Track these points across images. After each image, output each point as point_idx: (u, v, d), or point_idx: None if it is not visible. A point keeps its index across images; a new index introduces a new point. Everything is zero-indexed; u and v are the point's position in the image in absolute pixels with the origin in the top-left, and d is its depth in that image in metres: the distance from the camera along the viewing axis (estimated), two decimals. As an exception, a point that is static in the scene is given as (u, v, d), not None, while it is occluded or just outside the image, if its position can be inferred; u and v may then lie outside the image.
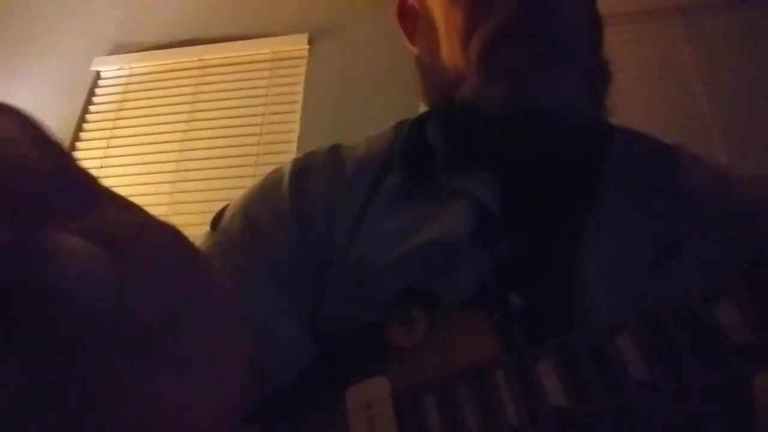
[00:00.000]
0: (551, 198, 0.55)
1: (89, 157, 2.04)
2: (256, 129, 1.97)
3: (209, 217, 0.61)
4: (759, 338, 0.37)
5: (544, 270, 0.52)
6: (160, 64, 2.15)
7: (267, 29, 2.11)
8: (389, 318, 0.48)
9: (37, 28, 2.31)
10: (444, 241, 0.51)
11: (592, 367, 0.40)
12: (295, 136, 1.92)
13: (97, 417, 0.18)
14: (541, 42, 0.53)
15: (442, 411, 0.42)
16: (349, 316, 0.51)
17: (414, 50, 0.65)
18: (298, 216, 0.56)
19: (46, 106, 2.13)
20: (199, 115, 2.04)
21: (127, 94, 2.13)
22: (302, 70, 2.04)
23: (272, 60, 2.09)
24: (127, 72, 2.18)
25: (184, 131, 2.02)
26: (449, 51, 0.56)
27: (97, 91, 2.16)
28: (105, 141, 2.06)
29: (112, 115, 2.10)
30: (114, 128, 2.08)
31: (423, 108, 0.64)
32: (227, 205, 0.61)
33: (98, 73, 2.19)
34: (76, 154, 2.05)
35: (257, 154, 1.92)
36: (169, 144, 2.01)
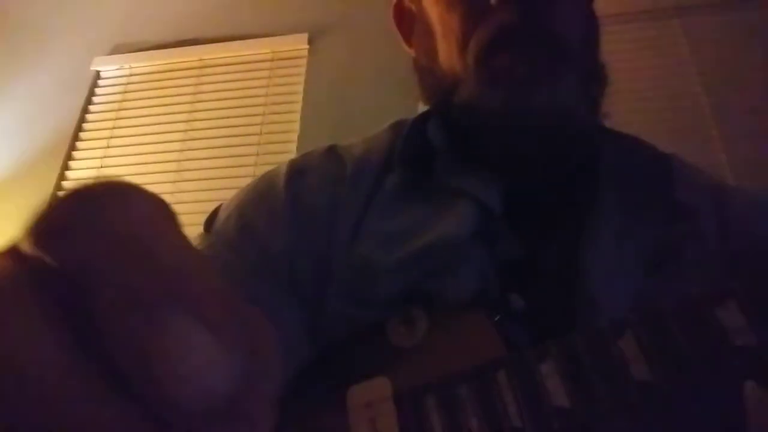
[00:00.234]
0: (551, 199, 0.55)
1: (89, 157, 2.04)
2: (256, 129, 1.97)
3: (209, 218, 0.61)
4: (761, 341, 0.37)
5: (545, 270, 0.52)
6: (159, 64, 2.15)
7: (267, 29, 2.11)
8: (390, 318, 0.48)
9: (37, 28, 2.31)
10: (446, 242, 0.51)
11: (594, 368, 0.40)
12: (295, 136, 1.92)
13: None
14: (538, 46, 0.53)
15: (443, 411, 0.42)
16: (351, 316, 0.50)
17: (411, 52, 0.65)
18: (294, 216, 0.55)
19: (46, 106, 2.13)
20: (199, 114, 2.04)
21: (127, 94, 2.13)
22: (302, 70, 2.04)
23: (272, 60, 2.09)
24: (127, 72, 2.17)
25: (184, 131, 2.02)
26: (446, 54, 0.56)
27: (97, 90, 2.16)
28: (105, 141, 2.05)
29: (112, 114, 2.10)
30: (114, 128, 2.08)
31: (422, 108, 0.64)
32: (220, 206, 0.60)
33: (98, 73, 2.19)
34: (76, 154, 2.05)
35: (257, 154, 1.92)
36: (169, 144, 2.00)
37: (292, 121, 1.96)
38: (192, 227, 0.60)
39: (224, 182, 1.84)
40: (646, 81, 1.78)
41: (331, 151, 0.61)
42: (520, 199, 0.54)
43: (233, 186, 2.01)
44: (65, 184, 2.00)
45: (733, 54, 1.77)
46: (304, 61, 2.06)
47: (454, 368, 0.43)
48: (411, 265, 0.51)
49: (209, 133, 2.00)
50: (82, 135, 2.09)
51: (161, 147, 2.00)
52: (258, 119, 1.99)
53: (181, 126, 2.03)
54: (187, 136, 2.01)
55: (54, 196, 1.94)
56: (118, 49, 2.21)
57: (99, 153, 2.04)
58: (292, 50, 2.08)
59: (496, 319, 0.46)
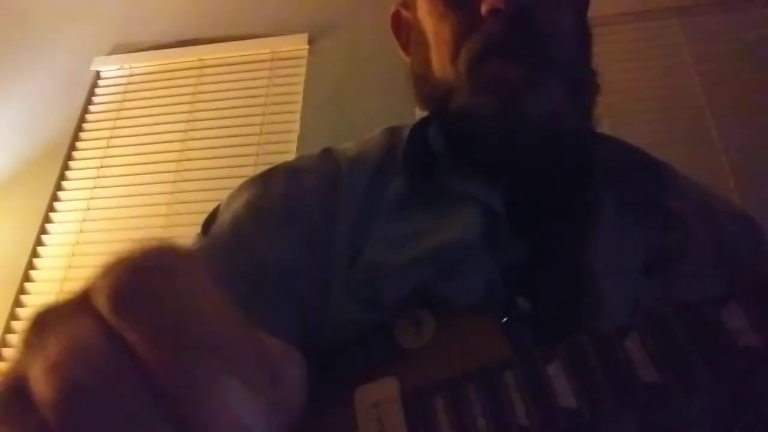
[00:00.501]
0: (549, 201, 0.56)
1: (89, 157, 2.04)
2: (256, 129, 1.97)
3: (208, 218, 0.61)
4: (765, 342, 0.37)
5: (550, 272, 0.53)
6: (159, 64, 2.15)
7: (267, 29, 2.11)
8: (398, 319, 0.48)
9: (37, 28, 2.31)
10: (453, 245, 0.52)
11: (601, 369, 0.40)
12: (294, 136, 1.92)
13: None
14: (528, 55, 0.54)
15: (451, 411, 0.42)
16: (358, 317, 0.51)
17: (408, 61, 0.66)
18: (290, 216, 0.56)
19: (46, 106, 2.13)
20: (199, 115, 2.04)
21: (127, 94, 2.13)
22: (302, 70, 2.04)
23: (272, 60, 2.09)
24: (127, 72, 2.18)
25: (184, 131, 2.02)
26: (440, 64, 0.58)
27: (97, 91, 2.16)
28: (105, 141, 2.05)
29: (112, 115, 2.10)
30: (114, 128, 2.08)
31: (420, 110, 0.65)
32: (218, 206, 0.61)
33: (98, 73, 2.19)
34: (76, 154, 2.05)
35: (257, 154, 1.92)
36: (169, 144, 2.00)
37: (292, 121, 1.96)
38: (192, 227, 0.61)
39: (224, 182, 1.84)
40: (646, 81, 1.78)
41: (326, 152, 0.62)
42: (520, 201, 0.54)
43: (233, 186, 1.99)
44: (65, 184, 2.00)
45: (733, 54, 1.77)
46: (304, 61, 2.06)
47: (461, 369, 0.44)
48: (418, 267, 0.51)
49: (209, 133, 2.00)
50: (82, 135, 2.09)
51: (161, 147, 2.00)
52: (258, 119, 1.99)
53: (181, 126, 2.03)
54: (187, 136, 2.01)
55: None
56: (118, 49, 2.21)
57: (99, 153, 2.04)
58: (292, 50, 2.08)
59: (503, 321, 0.47)
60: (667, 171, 0.62)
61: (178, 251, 0.22)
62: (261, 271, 0.53)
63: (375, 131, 0.64)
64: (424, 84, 0.61)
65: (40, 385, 0.20)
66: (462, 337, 0.47)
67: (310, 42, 2.07)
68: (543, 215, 0.55)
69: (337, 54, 2.03)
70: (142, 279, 0.21)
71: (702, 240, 0.56)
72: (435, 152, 0.59)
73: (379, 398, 0.45)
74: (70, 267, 1.84)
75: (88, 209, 1.94)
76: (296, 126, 1.94)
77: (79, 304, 0.22)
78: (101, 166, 2.01)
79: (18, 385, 0.20)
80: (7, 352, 1.74)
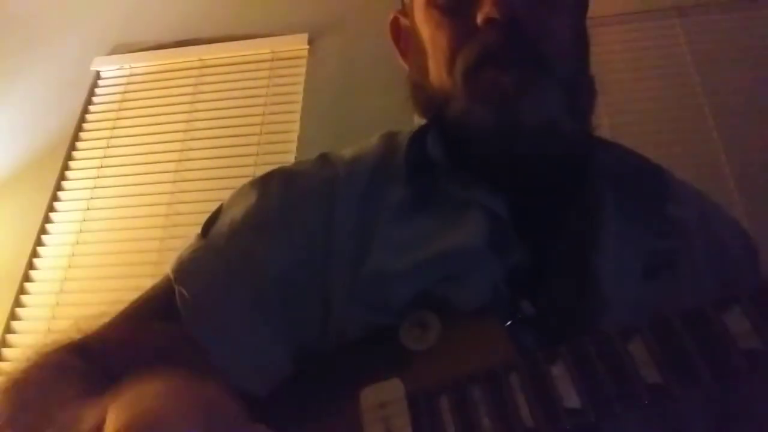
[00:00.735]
0: (551, 205, 0.56)
1: (89, 157, 2.04)
2: (256, 129, 1.97)
3: (209, 218, 0.61)
4: (766, 345, 0.38)
5: (554, 275, 0.53)
6: (159, 64, 2.15)
7: (267, 29, 2.11)
8: (404, 322, 0.48)
9: (37, 28, 2.31)
10: (460, 250, 0.52)
11: (605, 371, 0.40)
12: (295, 136, 1.92)
13: None
14: (523, 63, 0.54)
15: (456, 412, 0.43)
16: (363, 320, 0.51)
17: (407, 67, 0.66)
18: (286, 223, 0.56)
19: (46, 106, 2.13)
20: (199, 115, 2.04)
21: (127, 94, 2.13)
22: (302, 70, 2.04)
23: (272, 60, 2.08)
24: (127, 72, 2.17)
25: (184, 131, 2.02)
26: (436, 72, 0.58)
27: (97, 91, 2.16)
28: (105, 141, 2.05)
29: (112, 115, 2.10)
30: (114, 128, 2.07)
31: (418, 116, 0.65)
32: (220, 207, 0.61)
33: (98, 73, 2.19)
34: (76, 154, 2.05)
35: (257, 154, 1.92)
36: (169, 144, 2.00)
37: (292, 121, 1.96)
38: (192, 227, 0.61)
39: (224, 182, 1.84)
40: (646, 81, 1.78)
41: (322, 157, 0.63)
42: (521, 206, 0.55)
43: (233, 186, 1.98)
44: (65, 184, 2.00)
45: (733, 54, 1.77)
46: (304, 61, 2.06)
47: (466, 371, 0.44)
48: (423, 272, 0.52)
49: (209, 133, 2.00)
50: (82, 135, 2.08)
51: (161, 147, 2.00)
52: (258, 119, 1.99)
53: (181, 126, 2.03)
54: (187, 136, 2.01)
55: (51, 200, 1.94)
56: (118, 49, 2.21)
57: (99, 153, 2.03)
58: (292, 50, 2.08)
59: (507, 325, 0.47)
60: (666, 176, 0.62)
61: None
62: (259, 280, 0.54)
63: (372, 136, 0.65)
64: (421, 92, 0.61)
65: None
66: (467, 340, 0.47)
67: (310, 42, 2.07)
68: (545, 220, 0.55)
69: (337, 54, 2.03)
70: None
71: (700, 246, 0.56)
72: (434, 161, 0.59)
73: (385, 399, 0.45)
74: (70, 267, 1.84)
75: (88, 209, 1.93)
76: (296, 126, 1.94)
77: None
78: (101, 166, 2.01)
79: None
80: (7, 352, 1.74)
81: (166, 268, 0.58)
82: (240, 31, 2.12)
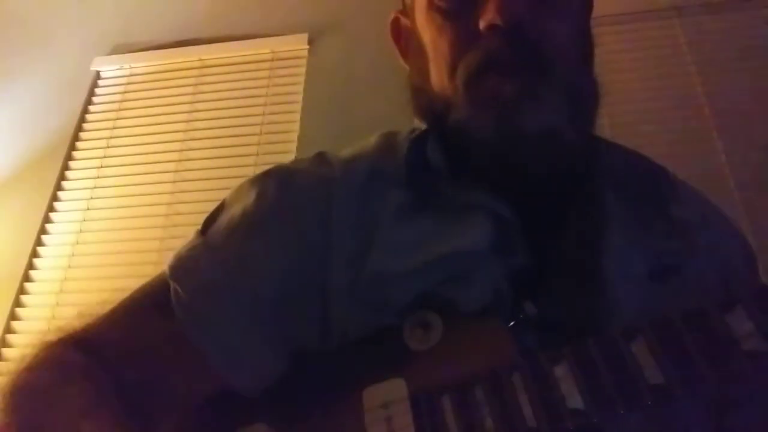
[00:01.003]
0: (554, 209, 0.56)
1: (89, 157, 2.03)
2: (256, 129, 1.97)
3: (209, 218, 0.61)
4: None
5: (560, 276, 0.53)
6: (159, 64, 2.15)
7: (267, 29, 2.11)
8: (407, 322, 0.49)
9: (37, 28, 2.31)
10: (464, 252, 0.52)
11: (608, 372, 0.41)
12: (294, 136, 1.92)
13: None
14: (526, 70, 0.53)
15: (459, 412, 0.43)
16: (364, 320, 0.51)
17: (407, 67, 0.65)
18: (282, 224, 0.56)
19: (46, 106, 2.13)
20: (199, 115, 2.04)
21: (127, 94, 2.13)
22: (302, 70, 2.04)
23: (272, 60, 2.08)
24: (127, 72, 2.17)
25: (184, 131, 2.02)
26: (438, 77, 0.58)
27: (97, 91, 2.16)
28: (105, 141, 2.05)
29: (112, 115, 2.10)
30: (114, 128, 2.07)
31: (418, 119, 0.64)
32: (222, 204, 0.61)
33: (98, 73, 2.18)
34: (76, 154, 2.05)
35: (257, 154, 1.92)
36: (169, 144, 2.00)
37: (292, 121, 1.95)
38: (192, 227, 0.61)
39: (224, 182, 1.84)
40: (646, 81, 1.78)
41: (320, 155, 0.63)
42: (524, 209, 0.55)
43: (233, 186, 1.99)
44: (65, 184, 2.00)
45: (733, 54, 1.77)
46: (304, 61, 2.05)
47: (468, 371, 0.44)
48: (425, 273, 0.52)
49: (209, 133, 2.00)
50: (82, 135, 2.08)
51: (161, 147, 2.00)
52: (258, 119, 1.98)
53: (181, 126, 2.03)
54: (187, 136, 2.01)
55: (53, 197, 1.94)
56: (118, 49, 2.20)
57: (99, 153, 2.03)
58: (292, 50, 2.08)
59: (510, 325, 0.47)
60: (669, 177, 0.62)
61: None
62: (253, 280, 0.54)
63: (370, 137, 0.64)
64: (422, 95, 0.61)
65: None
66: (469, 340, 0.47)
67: (310, 42, 2.07)
68: (548, 222, 0.55)
69: (337, 54, 2.03)
70: None
71: (702, 247, 0.56)
72: (434, 166, 0.59)
73: (388, 399, 0.45)
74: (70, 267, 1.84)
75: (88, 209, 1.93)
76: (296, 126, 1.94)
77: None
78: (101, 166, 2.01)
79: None
80: (7, 352, 1.74)
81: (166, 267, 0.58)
82: (240, 31, 2.12)
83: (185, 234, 0.61)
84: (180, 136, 2.01)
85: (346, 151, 0.63)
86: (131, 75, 2.17)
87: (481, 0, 0.54)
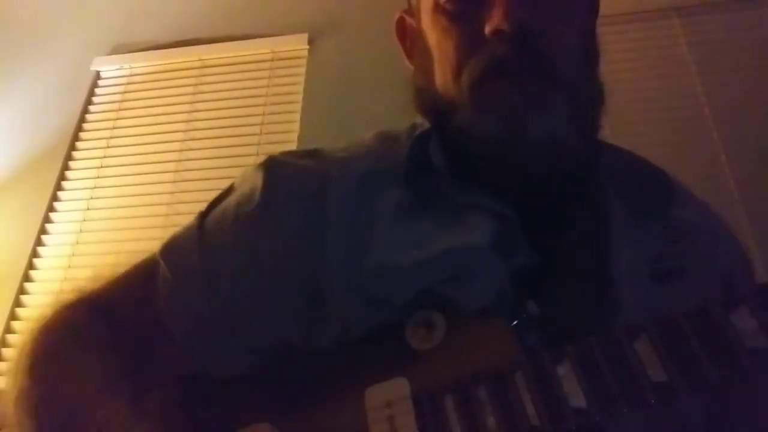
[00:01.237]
0: (558, 210, 0.56)
1: (89, 157, 2.04)
2: (256, 129, 1.97)
3: (209, 218, 0.62)
4: None
5: (567, 276, 0.53)
6: (159, 64, 2.15)
7: (267, 29, 2.11)
8: (410, 321, 0.49)
9: (37, 28, 2.31)
10: (466, 250, 0.52)
11: (610, 370, 0.41)
12: (295, 136, 1.92)
13: None
14: (531, 76, 0.53)
15: (461, 411, 0.43)
16: (365, 316, 0.51)
17: (412, 67, 0.65)
18: (270, 214, 0.57)
19: (46, 106, 2.13)
20: (199, 115, 2.04)
21: (127, 94, 2.13)
22: (302, 70, 2.04)
23: (272, 60, 2.08)
24: (127, 72, 2.17)
25: (184, 131, 2.02)
26: (442, 79, 0.58)
27: (97, 91, 2.16)
28: (105, 141, 2.05)
29: (112, 115, 2.10)
30: (114, 128, 2.07)
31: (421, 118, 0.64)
32: (232, 185, 0.62)
33: (98, 73, 2.18)
34: (76, 154, 2.05)
35: (257, 154, 1.92)
36: (169, 144, 2.00)
37: (292, 121, 1.96)
38: (193, 228, 0.61)
39: (224, 182, 1.82)
40: (646, 81, 1.78)
41: (314, 150, 0.63)
42: (527, 210, 0.55)
43: (233, 186, 2.00)
44: (65, 184, 2.00)
45: (733, 54, 1.77)
46: (304, 61, 2.05)
47: (471, 371, 0.44)
48: (428, 270, 0.52)
49: (209, 133, 2.00)
50: (82, 135, 2.08)
51: (161, 147, 2.00)
52: (258, 119, 1.99)
53: (181, 126, 2.03)
54: (187, 136, 2.01)
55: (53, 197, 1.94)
56: (118, 49, 2.20)
57: (99, 153, 2.03)
58: (292, 50, 2.08)
59: (513, 325, 0.47)
60: (670, 180, 0.62)
61: None
62: (234, 273, 0.55)
63: (366, 135, 0.64)
64: (426, 96, 0.61)
65: None
66: (472, 340, 0.47)
67: (310, 42, 2.07)
68: (551, 222, 0.56)
69: (337, 54, 2.03)
70: None
71: (702, 251, 0.57)
72: (436, 165, 0.59)
73: (390, 398, 0.46)
74: (70, 267, 1.84)
75: (88, 209, 1.93)
76: (296, 126, 1.94)
77: None
78: (101, 166, 2.01)
79: None
80: (7, 352, 1.74)
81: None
82: (240, 31, 2.12)
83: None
84: (180, 136, 2.01)
85: (341, 149, 0.63)
86: (131, 75, 2.17)
87: (487, 4, 0.54)
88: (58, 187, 1.99)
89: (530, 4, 0.53)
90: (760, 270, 1.34)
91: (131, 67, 2.17)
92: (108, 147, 2.04)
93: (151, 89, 2.12)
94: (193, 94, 2.08)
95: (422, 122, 0.63)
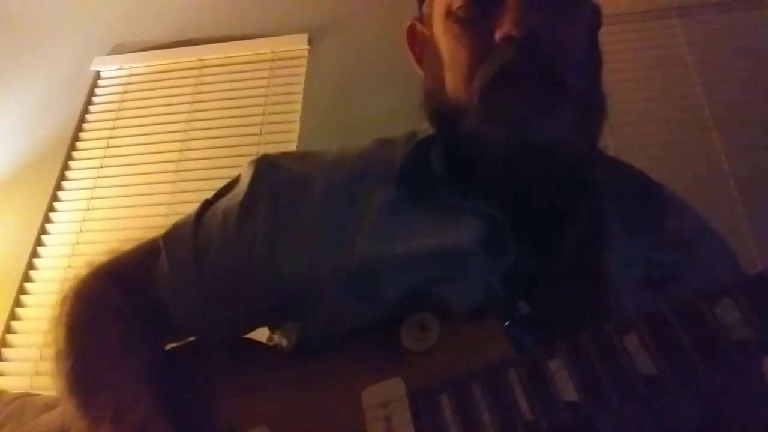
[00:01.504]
0: (555, 216, 0.58)
1: (89, 157, 2.04)
2: (256, 129, 1.97)
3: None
4: (757, 335, 0.39)
5: (561, 280, 0.54)
6: (159, 64, 2.15)
7: (267, 29, 2.11)
8: (405, 324, 0.50)
9: (37, 28, 2.31)
10: (454, 249, 0.54)
11: (601, 364, 0.42)
12: (295, 136, 1.92)
13: None
14: (539, 81, 0.55)
15: (457, 408, 0.44)
16: (356, 310, 0.53)
17: (422, 73, 0.67)
18: (251, 211, 0.60)
19: (46, 106, 2.14)
20: (199, 114, 2.04)
21: (127, 94, 2.13)
22: (302, 70, 2.05)
23: (272, 60, 2.09)
24: (127, 72, 2.18)
25: (184, 131, 2.02)
26: (453, 84, 0.59)
27: (97, 91, 2.16)
28: (105, 141, 2.05)
29: (112, 115, 2.10)
30: (114, 128, 2.08)
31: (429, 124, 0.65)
32: (238, 176, 0.65)
33: (98, 73, 2.19)
34: (76, 154, 2.06)
35: (257, 154, 1.90)
36: (169, 144, 2.00)
37: (292, 121, 1.96)
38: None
39: (224, 182, 1.83)
40: (646, 81, 1.78)
41: (304, 152, 0.66)
42: (522, 214, 0.56)
43: (233, 186, 2.00)
44: (65, 184, 2.00)
45: (733, 54, 1.77)
46: (304, 61, 2.06)
47: (466, 369, 0.45)
48: (415, 264, 0.53)
49: (209, 133, 2.00)
50: (82, 135, 2.09)
51: (161, 147, 2.00)
52: (258, 119, 1.99)
53: (181, 126, 2.03)
54: (187, 136, 2.01)
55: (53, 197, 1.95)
56: (118, 49, 2.21)
57: (99, 153, 2.04)
58: (292, 50, 2.08)
59: (506, 324, 0.49)
60: (665, 192, 0.64)
61: None
62: (214, 265, 0.59)
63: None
64: (436, 100, 0.62)
65: None
66: (466, 340, 0.48)
67: (310, 42, 2.07)
68: (548, 227, 0.57)
69: (337, 54, 2.03)
70: None
71: (696, 261, 0.58)
72: (435, 171, 0.60)
73: (387, 398, 0.47)
74: (70, 267, 1.84)
75: (88, 209, 1.94)
76: (296, 126, 1.94)
77: None
78: (101, 166, 2.01)
79: None
80: (7, 352, 1.74)
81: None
82: (240, 31, 2.13)
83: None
84: (180, 136, 2.01)
85: (336, 153, 0.65)
86: (131, 75, 2.17)
87: (498, 11, 0.55)
88: (58, 187, 1.99)
89: (540, 12, 0.55)
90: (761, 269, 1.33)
91: (131, 67, 2.17)
92: (108, 147, 2.04)
93: (151, 89, 2.12)
94: (193, 94, 2.08)
95: (426, 128, 0.64)
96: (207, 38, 2.14)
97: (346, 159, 0.63)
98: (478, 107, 0.56)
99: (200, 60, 2.13)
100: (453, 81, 0.59)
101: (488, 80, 0.55)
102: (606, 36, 0.64)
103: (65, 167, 2.02)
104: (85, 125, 2.10)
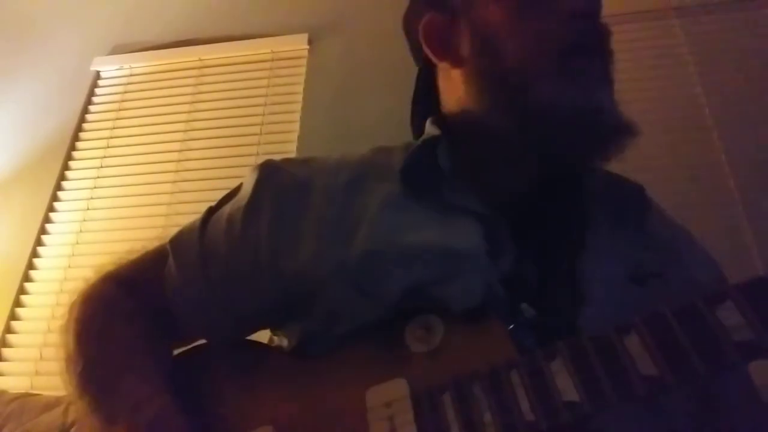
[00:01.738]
0: (546, 219, 0.60)
1: (89, 157, 2.04)
2: (256, 129, 1.97)
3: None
4: (758, 336, 0.39)
5: (551, 279, 0.56)
6: (159, 64, 2.15)
7: (267, 29, 2.11)
8: (409, 325, 0.51)
9: (37, 28, 2.31)
10: (455, 249, 0.54)
11: (602, 365, 0.42)
12: (294, 136, 1.92)
13: None
14: (603, 54, 0.60)
15: (459, 408, 0.44)
16: (356, 306, 0.54)
17: (442, 65, 0.67)
18: (253, 214, 0.61)
19: (46, 106, 2.14)
20: (199, 115, 2.05)
21: (127, 94, 2.14)
22: (302, 70, 2.05)
23: (272, 60, 2.09)
24: (127, 72, 2.18)
25: (184, 131, 2.02)
26: (519, 55, 0.60)
27: (97, 91, 2.17)
28: (105, 141, 2.06)
29: (112, 115, 2.10)
30: (114, 128, 2.08)
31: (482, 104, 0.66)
32: (242, 184, 0.66)
33: (98, 73, 2.19)
34: (76, 154, 2.06)
35: (257, 154, 1.92)
36: (169, 144, 2.01)
37: (292, 121, 1.96)
38: (192, 227, 0.62)
39: (224, 182, 1.83)
40: (647, 81, 1.78)
41: (306, 158, 0.67)
42: (517, 217, 0.58)
43: (233, 186, 1.99)
44: (65, 184, 2.01)
45: (733, 54, 1.77)
46: (304, 61, 2.06)
47: (468, 371, 0.46)
48: (415, 260, 0.54)
49: (209, 133, 2.00)
50: (82, 135, 2.09)
51: (161, 147, 2.00)
52: (258, 119, 1.99)
53: (181, 126, 2.03)
54: (187, 136, 2.01)
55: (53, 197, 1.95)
56: (118, 49, 2.21)
57: (99, 153, 2.04)
58: (292, 50, 2.09)
59: (510, 327, 0.49)
60: (644, 195, 0.65)
61: None
62: (217, 269, 0.61)
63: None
64: (491, 75, 0.62)
65: None
66: (470, 343, 0.49)
67: (310, 42, 2.07)
68: (539, 230, 0.59)
69: (337, 54, 2.04)
70: None
71: (676, 261, 0.60)
72: (443, 168, 0.61)
73: (390, 398, 0.47)
74: (70, 267, 1.84)
75: (88, 209, 1.94)
76: (296, 126, 1.94)
77: None
78: (101, 166, 2.01)
79: None
80: (7, 352, 1.74)
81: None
82: (240, 31, 2.13)
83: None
84: (180, 136, 2.01)
85: (336, 158, 0.66)
86: (131, 75, 2.17)
87: None
88: (58, 187, 1.99)
89: None
90: (760, 270, 1.34)
91: (131, 67, 2.17)
92: (108, 147, 2.04)
93: (150, 89, 2.13)
94: (193, 94, 2.08)
95: (429, 132, 0.66)
96: (207, 38, 2.14)
97: (347, 163, 0.64)
98: (551, 75, 0.58)
99: (200, 60, 2.13)
100: (520, 52, 0.60)
101: (564, 49, 0.58)
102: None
103: (65, 167, 2.03)
104: (85, 125, 2.10)
